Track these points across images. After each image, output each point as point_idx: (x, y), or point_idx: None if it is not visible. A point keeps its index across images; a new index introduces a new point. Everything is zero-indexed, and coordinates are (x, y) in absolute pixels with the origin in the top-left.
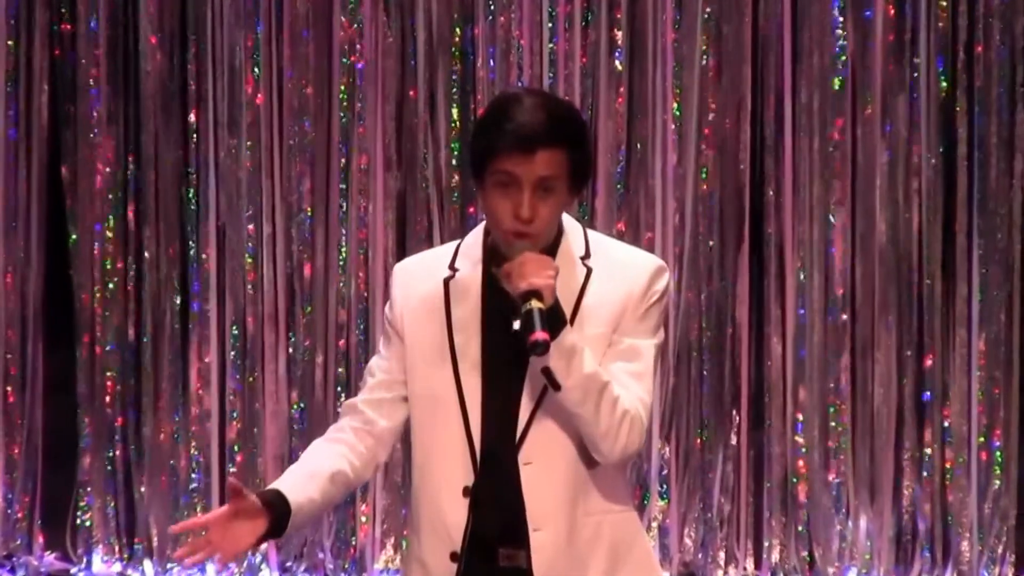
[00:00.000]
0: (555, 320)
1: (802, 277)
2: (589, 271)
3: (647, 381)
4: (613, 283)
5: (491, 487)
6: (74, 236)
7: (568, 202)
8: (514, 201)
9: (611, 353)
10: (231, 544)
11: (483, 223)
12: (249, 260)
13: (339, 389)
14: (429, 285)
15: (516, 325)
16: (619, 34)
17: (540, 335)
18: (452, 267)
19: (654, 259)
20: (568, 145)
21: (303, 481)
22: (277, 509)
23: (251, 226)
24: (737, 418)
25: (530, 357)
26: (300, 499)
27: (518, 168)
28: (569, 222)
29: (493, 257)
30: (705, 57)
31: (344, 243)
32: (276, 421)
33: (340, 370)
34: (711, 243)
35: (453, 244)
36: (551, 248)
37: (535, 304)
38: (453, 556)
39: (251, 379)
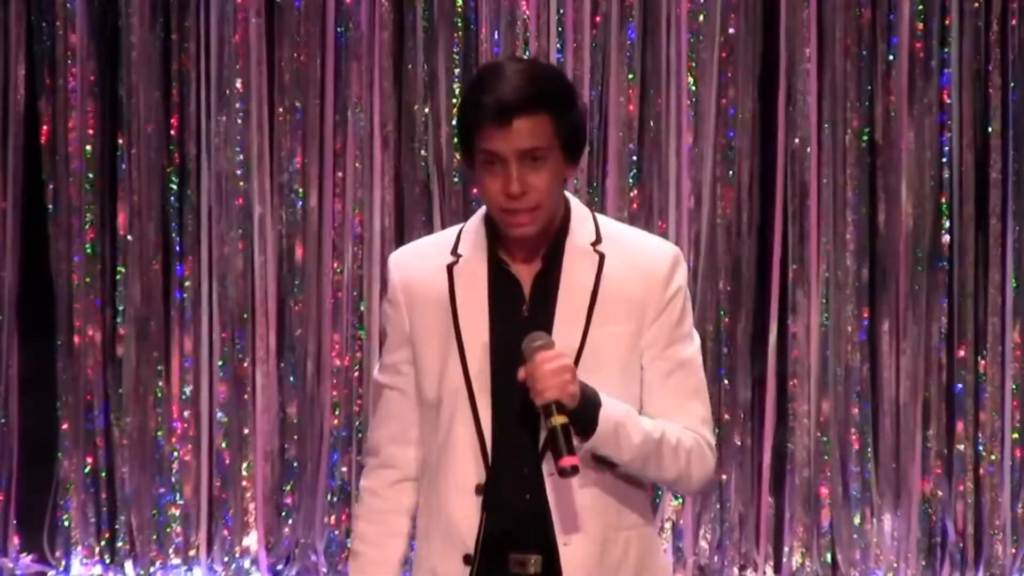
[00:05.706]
0: (589, 407)
1: (826, 266)
2: (602, 258)
3: (702, 394)
4: (629, 271)
5: (506, 486)
6: (52, 217)
7: (566, 173)
8: (502, 178)
9: (659, 372)
10: None
11: (484, 207)
12: (237, 243)
13: (333, 381)
14: (430, 274)
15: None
16: (631, 4)
17: (567, 461)
18: (455, 252)
19: (669, 246)
20: (550, 110)
21: None
22: None
23: (239, 207)
24: (756, 414)
25: None
26: None
27: (499, 142)
28: (577, 207)
29: (496, 241)
30: (723, 29)
31: (339, 225)
32: (266, 416)
33: (334, 361)
34: (729, 228)
35: (454, 230)
36: (559, 235)
37: (558, 421)
38: (466, 559)
39: (239, 371)
